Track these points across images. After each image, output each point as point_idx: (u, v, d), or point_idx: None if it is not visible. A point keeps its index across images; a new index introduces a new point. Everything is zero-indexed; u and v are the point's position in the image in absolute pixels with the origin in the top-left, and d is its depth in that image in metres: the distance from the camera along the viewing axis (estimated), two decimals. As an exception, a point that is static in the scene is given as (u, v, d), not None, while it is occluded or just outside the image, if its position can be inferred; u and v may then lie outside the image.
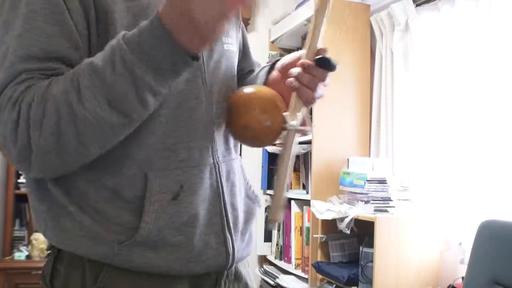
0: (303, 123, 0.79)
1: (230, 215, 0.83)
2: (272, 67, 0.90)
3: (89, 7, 0.71)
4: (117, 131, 0.67)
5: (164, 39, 0.62)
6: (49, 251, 0.81)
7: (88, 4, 0.71)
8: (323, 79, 0.79)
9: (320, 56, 0.76)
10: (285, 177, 0.80)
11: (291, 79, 0.78)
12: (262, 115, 0.78)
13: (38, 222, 0.79)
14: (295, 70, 0.78)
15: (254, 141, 0.82)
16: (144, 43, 0.63)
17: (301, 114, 0.79)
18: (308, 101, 0.80)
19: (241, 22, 1.02)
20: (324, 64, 0.76)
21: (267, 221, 3.07)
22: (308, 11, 2.60)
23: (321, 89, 0.80)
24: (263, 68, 0.95)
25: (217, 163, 0.82)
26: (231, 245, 0.82)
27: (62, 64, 0.69)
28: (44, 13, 0.68)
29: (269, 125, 0.78)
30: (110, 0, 0.72)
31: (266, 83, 0.89)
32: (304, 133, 0.80)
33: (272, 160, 3.05)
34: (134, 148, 0.74)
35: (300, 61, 0.78)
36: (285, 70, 0.85)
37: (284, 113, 0.79)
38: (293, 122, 0.78)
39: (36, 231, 2.88)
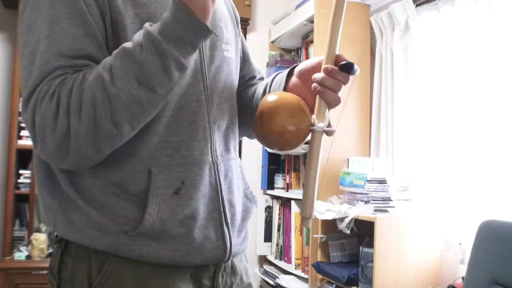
0: (328, 124, 0.85)
1: (227, 211, 0.88)
2: (289, 73, 0.94)
3: (105, 12, 0.77)
4: (145, 107, 0.73)
5: (182, 12, 0.70)
6: (55, 245, 0.85)
7: (105, 10, 0.77)
8: (346, 82, 0.84)
9: (345, 62, 0.82)
10: (315, 177, 0.86)
11: (315, 84, 0.83)
12: (290, 119, 0.83)
13: (48, 217, 0.84)
14: (319, 75, 0.83)
15: (285, 145, 0.86)
16: (167, 22, 0.71)
17: (327, 116, 0.84)
18: (332, 103, 0.85)
19: (240, 31, 1.07)
20: (348, 69, 0.82)
21: (267, 221, 3.08)
22: (308, 11, 2.61)
23: (342, 91, 0.85)
24: (277, 75, 0.98)
25: (215, 162, 0.87)
26: (228, 239, 0.87)
27: (90, 61, 0.74)
28: (68, 16, 0.74)
29: (298, 128, 0.83)
30: (122, 6, 0.78)
31: (286, 88, 0.93)
32: (330, 133, 0.85)
33: (272, 161, 3.05)
34: (139, 147, 0.79)
35: (324, 67, 0.82)
36: (304, 75, 0.89)
37: (312, 116, 0.84)
38: (321, 124, 0.83)
39: (37, 231, 2.89)
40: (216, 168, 0.86)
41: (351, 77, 0.84)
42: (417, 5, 2.30)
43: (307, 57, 2.87)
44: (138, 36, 0.72)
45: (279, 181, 2.99)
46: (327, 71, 0.82)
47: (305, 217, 0.85)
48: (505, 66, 1.87)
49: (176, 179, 0.80)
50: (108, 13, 0.77)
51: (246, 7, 3.07)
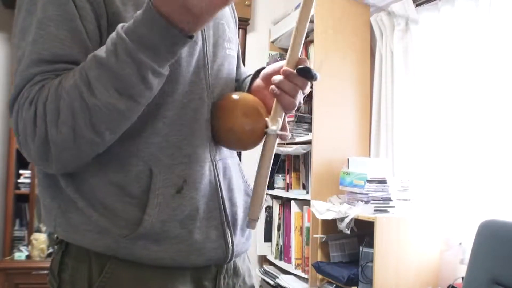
0: (282, 128, 0.84)
1: (228, 210, 0.87)
2: (256, 75, 0.95)
3: (101, 15, 0.75)
4: (126, 115, 0.71)
5: (158, 23, 0.65)
6: (56, 246, 0.85)
7: (101, 13, 0.75)
8: (303, 88, 0.83)
9: (302, 66, 0.81)
10: (266, 179, 0.85)
11: (273, 86, 0.83)
12: (245, 119, 0.83)
13: (48, 219, 0.83)
14: (277, 78, 0.83)
15: (237, 144, 0.87)
16: (141, 30, 0.66)
17: (281, 119, 0.84)
18: (288, 108, 0.84)
19: (237, 32, 1.06)
20: (305, 74, 0.81)
21: (267, 221, 3.08)
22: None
23: (300, 96, 0.85)
24: (248, 76, 0.99)
25: (213, 160, 0.86)
26: (230, 239, 0.86)
27: (74, 65, 0.72)
28: (57, 20, 0.72)
29: (251, 129, 0.83)
30: (122, 8, 0.76)
31: (250, 90, 0.94)
32: (283, 138, 0.84)
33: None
34: (139, 147, 0.78)
35: (282, 69, 0.82)
36: (267, 78, 0.89)
37: (266, 118, 0.84)
38: (274, 127, 0.83)
39: (37, 231, 2.89)
40: (215, 167, 0.86)
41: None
42: (417, 5, 2.30)
43: (307, 57, 2.87)
44: (111, 41, 0.68)
45: (279, 181, 2.99)
46: (285, 74, 0.81)
47: (253, 219, 0.85)
48: (505, 66, 1.87)
49: (178, 178, 0.80)
50: (104, 16, 0.75)
51: (246, 7, 3.07)
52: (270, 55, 3.11)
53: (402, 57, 2.35)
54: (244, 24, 3.07)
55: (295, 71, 0.81)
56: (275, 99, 0.84)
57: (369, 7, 2.61)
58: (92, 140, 0.71)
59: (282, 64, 0.86)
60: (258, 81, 0.92)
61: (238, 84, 1.00)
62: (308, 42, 2.85)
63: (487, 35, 1.92)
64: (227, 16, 0.97)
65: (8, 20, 2.86)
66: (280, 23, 3.04)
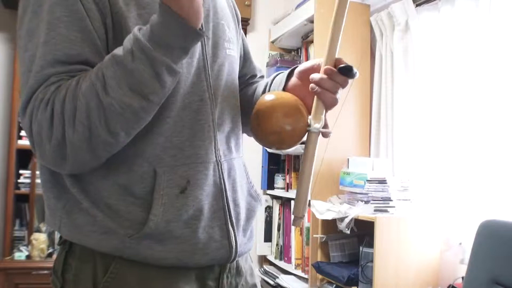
0: (325, 126, 0.85)
1: (232, 211, 0.87)
2: (289, 73, 0.95)
3: (106, 15, 0.76)
4: (141, 115, 0.73)
5: (170, 18, 0.68)
6: (59, 246, 0.85)
7: (106, 12, 0.76)
8: (344, 85, 0.85)
9: (344, 65, 0.83)
10: (309, 177, 0.85)
11: (313, 84, 0.83)
12: (286, 119, 0.83)
13: (53, 219, 0.83)
14: (317, 76, 0.83)
15: (280, 145, 0.87)
16: (155, 29, 0.70)
17: (323, 117, 0.84)
18: (330, 105, 0.85)
19: (241, 29, 1.06)
20: (347, 72, 0.83)
21: (267, 221, 3.08)
22: (308, 11, 2.61)
23: (340, 94, 0.86)
24: (277, 75, 0.99)
25: (219, 161, 0.87)
26: (233, 239, 0.86)
27: (86, 66, 0.74)
28: (66, 20, 0.73)
29: (293, 128, 0.83)
30: (124, 8, 0.77)
31: (285, 88, 0.94)
32: (326, 135, 0.85)
33: (272, 161, 3.05)
34: (144, 147, 0.79)
35: (325, 67, 0.83)
36: (304, 76, 0.90)
37: (309, 117, 0.84)
38: (317, 124, 0.83)
39: (37, 231, 2.89)
40: (220, 167, 0.86)
41: (349, 80, 0.84)
42: (417, 5, 2.30)
43: (307, 57, 2.87)
44: (128, 42, 0.71)
45: (279, 181, 2.99)
46: (327, 72, 0.82)
47: (297, 217, 0.86)
48: (505, 66, 1.86)
49: (181, 179, 0.80)
50: (109, 16, 0.76)
51: (246, 7, 3.07)
52: (270, 55, 3.10)
53: (402, 57, 2.35)
54: (244, 24, 3.07)
55: (336, 69, 0.82)
56: (315, 96, 0.84)
57: (369, 7, 2.61)
58: (106, 140, 0.72)
59: (317, 61, 0.87)
60: (294, 79, 0.93)
61: (267, 84, 1.00)
62: (308, 42, 2.85)
63: (487, 35, 1.91)
64: (227, 16, 0.97)
65: (8, 20, 2.85)
66: (280, 23, 3.04)
